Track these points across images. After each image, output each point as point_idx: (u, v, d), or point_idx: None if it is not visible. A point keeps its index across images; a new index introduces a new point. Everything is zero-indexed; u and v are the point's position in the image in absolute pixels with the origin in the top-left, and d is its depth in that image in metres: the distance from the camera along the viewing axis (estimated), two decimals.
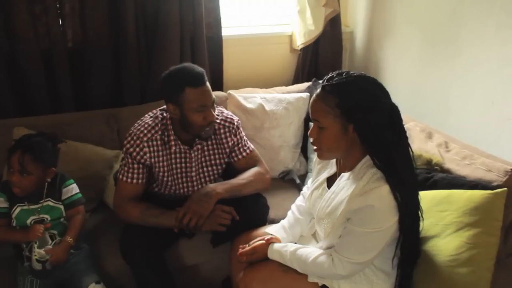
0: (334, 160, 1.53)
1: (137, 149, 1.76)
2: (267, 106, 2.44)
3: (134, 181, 1.78)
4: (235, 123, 1.89)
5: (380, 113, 1.31)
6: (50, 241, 1.67)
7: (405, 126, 2.17)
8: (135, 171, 1.77)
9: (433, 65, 2.43)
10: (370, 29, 2.90)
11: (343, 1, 2.89)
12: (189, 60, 2.49)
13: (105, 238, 1.90)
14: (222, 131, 1.87)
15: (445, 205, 1.62)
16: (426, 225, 1.59)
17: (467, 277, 1.48)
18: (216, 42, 2.61)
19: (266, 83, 2.75)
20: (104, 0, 2.26)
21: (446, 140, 1.98)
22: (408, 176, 1.35)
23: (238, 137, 1.91)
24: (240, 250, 1.60)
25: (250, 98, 2.46)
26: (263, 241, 1.58)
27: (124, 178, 1.78)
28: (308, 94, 2.55)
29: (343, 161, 1.47)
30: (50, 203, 1.73)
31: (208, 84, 1.71)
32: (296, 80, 2.92)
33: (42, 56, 2.25)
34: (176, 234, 1.80)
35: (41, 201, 1.72)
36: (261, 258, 1.56)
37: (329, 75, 1.37)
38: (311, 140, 1.41)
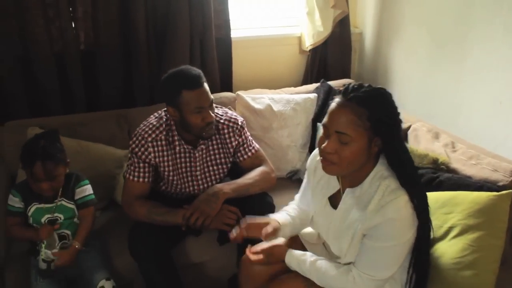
0: (335, 177, 1.46)
1: (142, 149, 1.80)
2: (275, 107, 2.46)
3: (141, 179, 1.81)
4: (239, 123, 1.92)
5: (400, 126, 1.33)
6: (57, 241, 1.72)
7: (412, 126, 2.19)
8: (141, 170, 1.81)
9: (441, 65, 2.42)
10: (379, 30, 2.89)
11: (352, 2, 2.89)
12: (198, 62, 2.53)
13: (115, 235, 1.94)
14: (226, 131, 1.89)
15: (449, 207, 1.62)
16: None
17: (471, 280, 1.48)
18: (225, 44, 2.64)
19: (275, 84, 2.76)
20: (115, 3, 2.31)
21: (453, 140, 1.97)
22: (420, 183, 1.36)
23: (243, 137, 1.93)
24: (253, 250, 1.54)
25: (258, 98, 2.48)
26: (280, 244, 1.53)
27: (131, 177, 1.82)
28: (315, 95, 2.56)
29: (349, 177, 1.39)
30: (63, 202, 1.77)
31: (205, 85, 1.74)
32: (305, 81, 2.93)
33: (55, 58, 2.31)
34: (183, 232, 1.83)
35: (55, 201, 1.75)
36: (276, 260, 1.51)
37: (352, 87, 1.30)
38: (321, 150, 1.32)
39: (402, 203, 1.27)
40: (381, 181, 1.31)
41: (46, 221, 1.75)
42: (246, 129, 1.96)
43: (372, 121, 1.26)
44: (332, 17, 2.76)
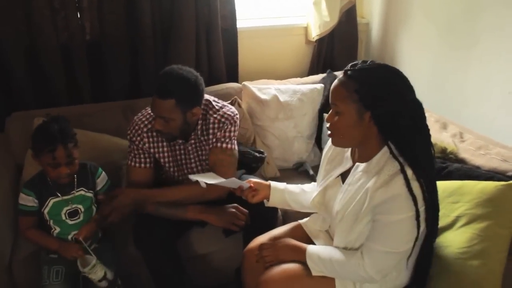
0: (349, 155, 1.49)
1: (138, 138, 1.80)
2: (282, 97, 2.45)
3: (142, 165, 1.81)
4: (229, 120, 1.81)
5: (398, 104, 1.29)
6: (93, 260, 1.63)
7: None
8: (141, 155, 1.81)
9: (449, 56, 2.40)
10: (386, 21, 2.86)
11: None
12: (204, 52, 2.52)
13: (120, 226, 1.90)
14: (216, 125, 1.80)
15: (457, 197, 1.61)
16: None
17: (478, 269, 1.48)
18: (231, 34, 2.62)
19: (281, 75, 2.75)
20: None
21: (461, 131, 1.96)
22: (427, 168, 1.32)
23: (223, 132, 1.80)
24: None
25: (265, 89, 2.47)
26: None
27: (132, 163, 1.82)
28: (322, 85, 2.55)
29: (358, 152, 1.44)
30: (82, 192, 1.77)
31: (167, 102, 1.63)
32: (311, 71, 2.91)
33: (61, 49, 2.30)
34: (188, 223, 1.84)
35: (73, 191, 1.74)
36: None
37: (352, 63, 1.36)
38: (327, 125, 1.40)
39: (403, 180, 1.27)
40: (389, 161, 1.32)
41: (66, 214, 1.73)
42: (234, 126, 1.83)
43: (360, 94, 1.29)
44: (339, 7, 2.74)
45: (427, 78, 2.56)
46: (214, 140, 1.81)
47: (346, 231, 1.43)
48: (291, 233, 1.66)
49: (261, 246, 1.55)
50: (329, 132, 1.40)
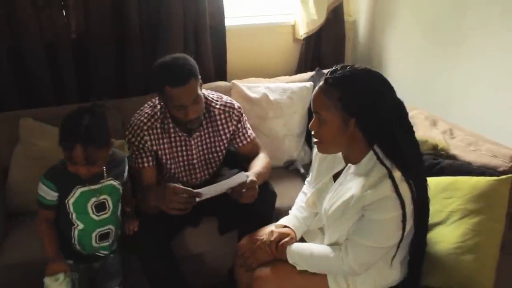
0: (340, 154, 1.49)
1: (138, 138, 1.78)
2: (271, 96, 2.44)
3: (146, 164, 1.80)
4: (236, 108, 1.89)
5: (383, 109, 1.30)
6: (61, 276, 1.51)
7: (408, 114, 2.18)
8: (143, 155, 1.79)
9: (436, 53, 2.42)
10: (373, 18, 2.88)
11: None
12: (192, 50, 2.49)
13: None
14: (222, 116, 1.87)
15: (450, 192, 1.62)
16: (431, 212, 1.59)
17: (471, 264, 1.49)
18: (219, 32, 2.60)
19: (270, 73, 2.75)
20: None
21: (451, 127, 1.98)
22: (416, 168, 1.34)
23: (242, 123, 1.91)
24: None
25: (254, 87, 2.46)
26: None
27: (137, 165, 1.80)
28: (311, 83, 2.55)
29: (347, 155, 1.44)
30: (113, 182, 1.62)
31: (191, 82, 1.64)
32: (299, 69, 2.92)
33: (46, 48, 2.25)
34: (182, 223, 1.82)
35: (102, 180, 1.58)
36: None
37: (333, 68, 1.34)
38: (312, 132, 1.40)
39: (391, 183, 1.29)
40: (377, 164, 1.33)
41: (93, 206, 1.58)
42: (244, 114, 1.94)
43: (343, 102, 1.28)
44: (326, 5, 2.74)
45: (415, 76, 2.59)
46: (234, 131, 1.89)
47: (334, 229, 1.44)
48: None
49: (241, 253, 1.58)
50: (314, 140, 1.40)
